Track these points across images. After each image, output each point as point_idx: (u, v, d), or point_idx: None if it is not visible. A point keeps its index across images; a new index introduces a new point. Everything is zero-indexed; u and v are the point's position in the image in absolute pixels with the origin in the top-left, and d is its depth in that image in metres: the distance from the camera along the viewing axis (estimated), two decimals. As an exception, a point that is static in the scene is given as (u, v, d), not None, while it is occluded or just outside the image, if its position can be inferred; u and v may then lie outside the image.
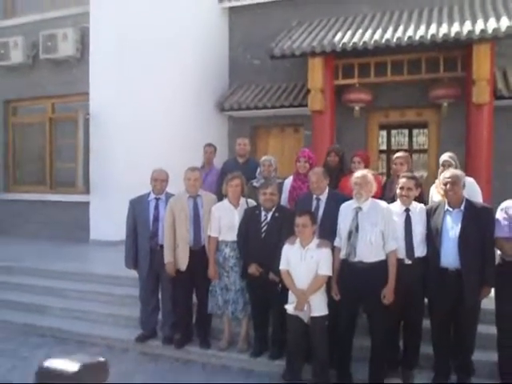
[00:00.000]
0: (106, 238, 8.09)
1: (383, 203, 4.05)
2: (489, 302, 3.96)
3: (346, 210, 4.06)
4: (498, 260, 3.88)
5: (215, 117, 11.06)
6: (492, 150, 8.74)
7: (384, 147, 12.60)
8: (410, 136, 12.77)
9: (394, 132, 12.98)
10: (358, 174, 4.03)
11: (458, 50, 8.85)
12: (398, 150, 12.69)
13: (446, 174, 3.98)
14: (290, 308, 4.09)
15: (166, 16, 9.15)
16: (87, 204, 8.36)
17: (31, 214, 8.95)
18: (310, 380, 4.18)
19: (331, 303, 4.11)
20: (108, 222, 8.09)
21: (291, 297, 4.14)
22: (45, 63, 8.71)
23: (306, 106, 9.87)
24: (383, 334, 3.97)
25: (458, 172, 4.02)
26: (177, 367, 4.65)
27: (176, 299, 4.84)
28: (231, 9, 11.56)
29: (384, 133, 12.57)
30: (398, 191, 4.09)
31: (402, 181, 4.07)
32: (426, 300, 4.12)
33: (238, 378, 4.38)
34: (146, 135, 8.58)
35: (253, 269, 4.39)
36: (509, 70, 9.47)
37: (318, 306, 4.05)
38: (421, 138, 12.75)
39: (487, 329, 4.06)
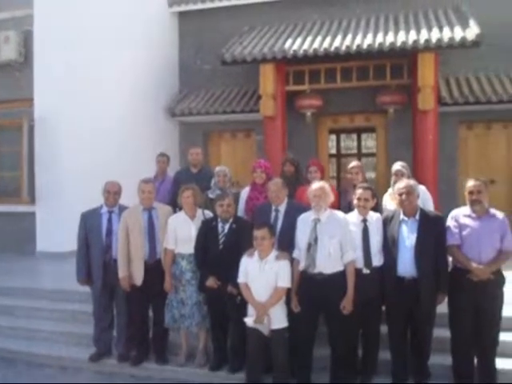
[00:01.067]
0: (53, 249, 7.77)
1: (341, 214, 4.10)
2: (444, 306, 4.08)
3: (305, 221, 4.07)
4: (450, 267, 4.01)
5: (166, 122, 10.88)
6: (438, 154, 9.07)
7: (334, 151, 12.88)
8: (359, 140, 13.11)
9: (343, 136, 13.30)
10: (317, 185, 4.06)
11: (404, 59, 9.14)
12: (347, 154, 13.09)
13: (400, 185, 4.08)
14: (249, 321, 4.06)
15: (114, 20, 8.91)
16: (33, 214, 7.98)
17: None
18: (271, 391, 4.17)
19: (290, 314, 4.12)
20: (55, 232, 7.78)
21: (250, 309, 4.12)
22: (-16, 67, 8.25)
23: (258, 111, 9.89)
24: (343, 343, 4.02)
25: (412, 182, 4.12)
26: (135, 385, 4.51)
27: (131, 314, 4.70)
28: (181, 13, 11.43)
29: (334, 137, 12.86)
30: (355, 202, 4.15)
31: (358, 192, 4.13)
32: (383, 307, 4.19)
33: (199, 394, 4.30)
34: (94, 143, 8.30)
35: (211, 282, 4.33)
36: (451, 77, 9.90)
37: (278, 319, 4.04)
38: (369, 142, 13.13)
39: (443, 332, 4.18)
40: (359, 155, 12.92)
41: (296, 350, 4.17)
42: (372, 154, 12.94)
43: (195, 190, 4.59)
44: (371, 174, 12.00)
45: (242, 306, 4.27)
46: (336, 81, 9.49)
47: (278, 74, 9.48)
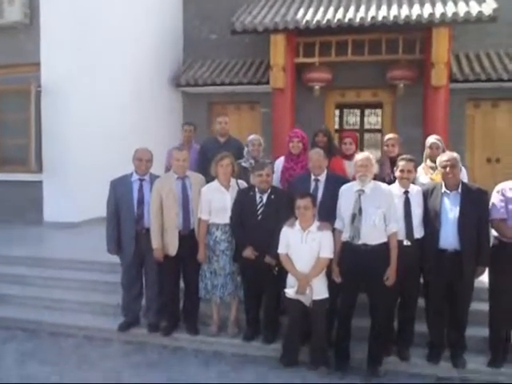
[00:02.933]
0: (62, 219, 7.62)
1: (385, 185, 4.05)
2: (481, 280, 4.09)
3: (347, 192, 4.01)
4: (493, 241, 4.01)
5: (170, 92, 10.68)
6: (447, 130, 9.06)
7: (337, 126, 12.82)
8: (362, 116, 13.06)
9: (346, 111, 13.22)
10: (363, 155, 3.99)
11: (417, 33, 9.03)
12: (350, 130, 13.03)
13: (443, 157, 4.03)
14: (290, 292, 4.02)
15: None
16: (40, 183, 7.78)
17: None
18: (308, 362, 4.17)
19: (330, 285, 4.09)
20: (64, 202, 7.62)
21: (290, 280, 4.08)
22: (-13, 29, 7.89)
23: (265, 83, 9.75)
24: (384, 314, 4.01)
25: (455, 154, 4.08)
26: (167, 356, 4.45)
27: (163, 284, 4.62)
28: (186, -20, 11.08)
29: (337, 112, 12.78)
30: (397, 174, 4.10)
31: (401, 164, 4.07)
32: (421, 279, 4.19)
33: (234, 365, 4.27)
34: (100, 109, 8.12)
35: (248, 252, 4.26)
36: (461, 54, 9.82)
37: (320, 289, 4.02)
38: (372, 118, 13.09)
39: (478, 306, 4.20)
40: (362, 131, 12.89)
41: (333, 321, 4.17)
42: (376, 130, 12.92)
43: (232, 159, 4.48)
44: (375, 151, 11.97)
45: (278, 277, 4.23)
46: (347, 54, 9.36)
47: (289, 46, 9.33)
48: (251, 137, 5.20)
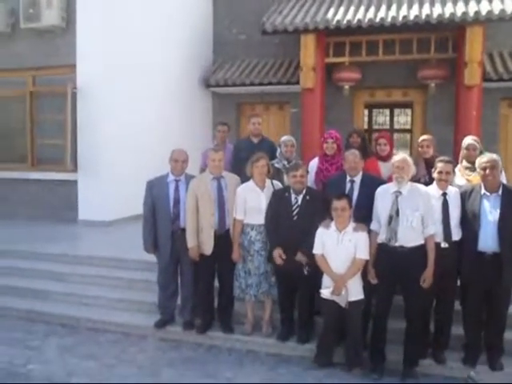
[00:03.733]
0: (95, 218, 7.80)
1: (422, 187, 4.03)
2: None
3: (384, 193, 4.01)
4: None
5: (200, 93, 10.78)
6: (480, 130, 8.91)
7: (365, 126, 12.72)
8: (391, 115, 12.91)
9: (375, 111, 13.10)
10: (399, 157, 3.98)
11: (450, 32, 8.90)
12: (380, 130, 12.92)
13: (483, 159, 3.98)
14: (326, 292, 4.04)
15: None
16: (75, 183, 7.97)
17: (11, 193, 8.46)
18: (342, 363, 4.18)
19: (365, 287, 4.09)
20: (98, 201, 7.79)
21: (326, 281, 4.09)
22: (26, 32, 8.10)
23: (295, 83, 9.75)
24: (420, 317, 4.00)
25: (495, 156, 4.02)
26: (201, 354, 4.53)
27: (198, 283, 4.70)
28: (216, -19, 11.16)
29: (366, 112, 12.68)
30: (435, 175, 4.07)
31: (440, 165, 4.04)
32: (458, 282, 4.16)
33: (269, 364, 4.32)
34: (134, 110, 8.27)
35: (276, 253, 4.28)
36: (495, 53, 9.64)
37: (356, 290, 4.02)
38: (402, 118, 12.94)
39: (516, 310, 4.15)
40: (392, 131, 12.74)
41: (368, 323, 4.17)
42: (405, 130, 12.78)
43: (267, 160, 4.52)
44: (405, 151, 11.85)
45: (311, 278, 4.25)
46: (378, 53, 9.29)
47: (319, 46, 9.29)
48: (284, 138, 5.23)
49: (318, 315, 4.47)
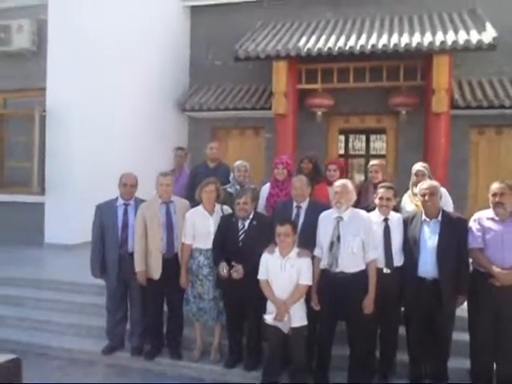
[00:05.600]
0: (62, 241, 7.73)
1: (363, 212, 4.06)
2: (461, 309, 4.04)
3: (326, 219, 4.03)
4: (470, 269, 3.98)
5: (175, 117, 10.85)
6: (448, 157, 9.04)
7: (342, 151, 12.85)
8: (368, 141, 13.07)
9: (351, 137, 13.26)
10: (339, 182, 4.02)
11: (418, 60, 9.10)
12: (356, 155, 13.04)
13: (423, 185, 4.04)
14: (269, 318, 4.02)
15: (127, 12, 8.87)
16: (42, 205, 7.94)
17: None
18: (287, 389, 4.15)
19: (309, 313, 4.08)
20: (64, 224, 7.74)
21: (270, 307, 4.08)
22: (-3, 56, 8.20)
23: (268, 108, 9.87)
24: (362, 343, 3.99)
25: (435, 183, 4.09)
26: (149, 379, 4.47)
27: (146, 308, 4.66)
28: (193, 8, 11.38)
29: (342, 137, 12.82)
30: (377, 201, 4.11)
31: (380, 191, 4.10)
32: (402, 308, 4.16)
33: (213, 391, 4.27)
34: (105, 135, 8.27)
35: (222, 267, 4.24)
36: (464, 81, 9.85)
37: (298, 316, 4.00)
38: (378, 144, 13.09)
39: (461, 336, 4.14)
40: (367, 156, 12.89)
41: (313, 349, 4.14)
42: (381, 156, 12.91)
43: (218, 185, 4.55)
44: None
45: (259, 304, 4.23)
46: (349, 81, 9.45)
47: (291, 72, 9.45)
48: (237, 163, 5.28)
49: (266, 342, 4.42)
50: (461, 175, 9.77)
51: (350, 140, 13.35)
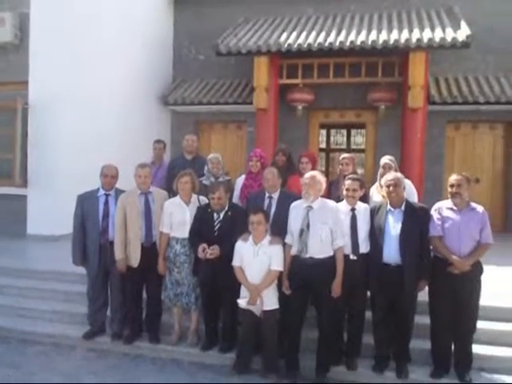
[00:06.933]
0: (44, 232, 7.87)
1: (332, 202, 4.28)
2: (424, 294, 4.29)
3: (297, 208, 4.25)
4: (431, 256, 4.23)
5: (159, 110, 10.98)
6: (424, 152, 9.31)
7: (324, 146, 13.09)
8: (349, 136, 13.32)
9: (333, 131, 13.50)
10: (308, 174, 4.23)
11: (396, 57, 9.34)
12: (337, 149, 13.27)
13: (388, 177, 4.27)
14: (242, 302, 4.24)
15: (110, 5, 8.97)
16: (24, 197, 8.05)
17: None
18: (259, 370, 4.36)
19: (281, 297, 4.30)
20: (47, 216, 7.87)
21: (243, 291, 4.30)
22: (-22, 48, 8.26)
23: (250, 103, 10.04)
24: (330, 326, 4.21)
25: (399, 175, 4.32)
26: (126, 363, 4.65)
27: (126, 295, 4.84)
28: (176, 2, 11.51)
29: (324, 132, 13.06)
30: (344, 192, 4.34)
31: (347, 182, 4.33)
32: (368, 293, 4.40)
33: (190, 371, 4.47)
34: (88, 127, 8.39)
35: (200, 248, 4.39)
36: (441, 77, 10.13)
37: (270, 300, 4.23)
38: (358, 138, 13.35)
39: (422, 319, 4.39)
40: (348, 150, 13.14)
41: (285, 332, 4.36)
42: (361, 150, 13.18)
43: (193, 176, 4.73)
44: (359, 170, 12.21)
45: (234, 289, 4.43)
46: (329, 76, 9.66)
47: (272, 67, 9.63)
48: (210, 156, 5.47)
49: (240, 326, 4.63)
50: (437, 169, 10.07)
51: (332, 134, 13.61)
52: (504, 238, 8.47)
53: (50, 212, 7.82)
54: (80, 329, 5.08)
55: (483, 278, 4.15)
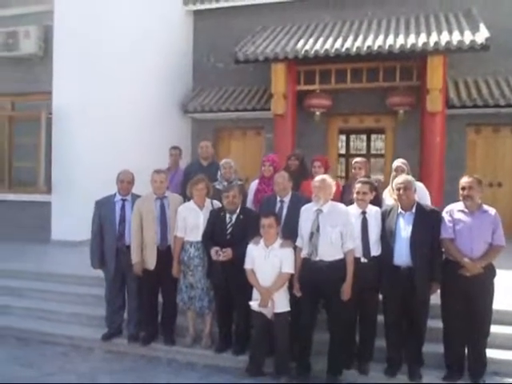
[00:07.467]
0: (67, 238, 8.07)
1: (342, 206, 4.31)
2: (437, 297, 4.27)
3: (307, 212, 4.29)
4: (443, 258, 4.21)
5: (179, 118, 11.17)
6: (444, 155, 9.23)
7: (343, 151, 13.08)
8: (368, 141, 13.29)
9: (352, 137, 13.48)
10: (318, 178, 4.29)
11: (414, 61, 9.30)
12: (356, 155, 13.25)
13: (398, 180, 4.28)
14: (254, 305, 4.30)
15: (131, 16, 9.20)
16: (49, 204, 8.29)
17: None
18: (272, 373, 4.40)
19: (292, 300, 4.34)
20: (70, 222, 8.07)
21: (255, 294, 4.36)
22: (5, 61, 8.56)
23: (269, 109, 10.12)
24: (341, 328, 4.23)
25: (410, 177, 4.33)
26: (142, 364, 4.77)
27: (142, 297, 4.95)
28: (196, 12, 11.70)
29: (343, 137, 13.05)
30: (354, 195, 4.36)
31: (357, 186, 4.35)
32: (380, 296, 4.40)
33: (204, 374, 4.55)
34: (110, 135, 8.60)
35: (213, 251, 4.48)
36: (460, 80, 10.03)
37: (281, 303, 4.28)
38: (378, 143, 13.30)
39: (435, 323, 4.36)
40: (368, 156, 13.11)
41: (297, 334, 4.39)
42: (381, 155, 13.11)
43: (207, 182, 4.83)
44: (379, 175, 12.15)
45: (247, 292, 4.49)
46: (346, 81, 9.68)
47: (290, 74, 9.72)
48: (223, 161, 5.58)
49: (253, 329, 4.68)
50: (457, 174, 9.89)
51: (352, 139, 13.60)
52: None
53: (73, 218, 8.02)
54: (98, 331, 5.21)
55: (501, 281, 4.10)
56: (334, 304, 4.17)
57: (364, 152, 13.24)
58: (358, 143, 13.82)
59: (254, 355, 4.47)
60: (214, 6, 11.45)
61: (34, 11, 8.46)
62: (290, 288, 4.35)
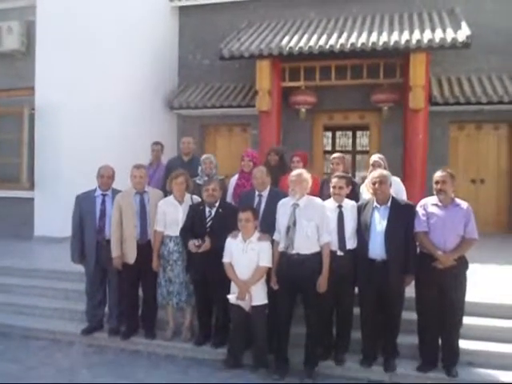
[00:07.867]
0: (50, 234, 8.05)
1: (318, 200, 4.37)
2: (411, 290, 4.35)
3: (284, 206, 4.35)
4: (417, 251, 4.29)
5: (165, 114, 11.17)
6: (427, 152, 9.33)
7: (329, 148, 13.16)
8: (354, 138, 13.37)
9: (338, 134, 13.55)
10: (295, 172, 4.35)
11: (397, 58, 9.39)
12: (342, 151, 13.32)
13: (374, 174, 4.35)
14: (232, 298, 4.36)
15: (115, 12, 9.19)
16: (32, 200, 8.27)
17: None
18: (250, 365, 4.46)
19: (270, 293, 4.40)
20: (53, 218, 8.04)
21: (233, 287, 4.41)
22: (-13, 56, 8.54)
23: (254, 106, 10.16)
24: (317, 321, 4.29)
25: (385, 172, 4.40)
26: (122, 358, 4.80)
27: (122, 292, 4.99)
28: (181, 8, 11.70)
29: (329, 134, 13.13)
30: (331, 190, 4.43)
31: (333, 180, 4.42)
32: (356, 289, 4.47)
33: (183, 366, 4.59)
34: (93, 131, 8.58)
35: (191, 244, 4.51)
36: (443, 78, 10.15)
37: (259, 296, 4.34)
38: (364, 140, 13.39)
39: (410, 315, 4.45)
40: (354, 152, 13.20)
41: (274, 327, 4.45)
42: (366, 152, 13.22)
43: (187, 176, 4.87)
44: (364, 172, 12.22)
45: (225, 285, 4.54)
46: (330, 78, 9.74)
47: (274, 70, 9.76)
48: (204, 156, 5.63)
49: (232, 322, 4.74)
50: (439, 169, 10.04)
51: (338, 136, 13.68)
52: (508, 237, 8.45)
53: (56, 214, 7.99)
54: (79, 325, 5.25)
55: (474, 274, 4.18)
56: (311, 297, 4.23)
57: (349, 149, 13.32)
58: (344, 140, 13.89)
59: (232, 348, 4.53)
60: (200, 2, 11.47)
61: (16, 6, 8.44)
62: (268, 281, 4.41)
